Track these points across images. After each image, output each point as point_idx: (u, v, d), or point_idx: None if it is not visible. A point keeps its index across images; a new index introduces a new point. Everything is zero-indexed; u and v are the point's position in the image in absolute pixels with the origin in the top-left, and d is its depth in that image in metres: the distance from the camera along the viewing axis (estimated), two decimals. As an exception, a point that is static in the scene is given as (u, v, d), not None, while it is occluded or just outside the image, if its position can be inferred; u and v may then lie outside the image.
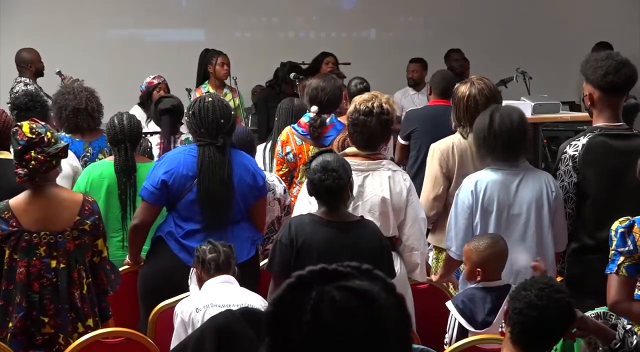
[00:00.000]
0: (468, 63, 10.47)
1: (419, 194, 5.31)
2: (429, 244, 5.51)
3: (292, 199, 5.69)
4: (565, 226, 4.73)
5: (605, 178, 4.67)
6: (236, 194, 4.96)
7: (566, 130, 7.97)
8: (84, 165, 5.93)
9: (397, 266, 4.74)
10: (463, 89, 5.30)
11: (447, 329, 4.39)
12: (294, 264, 4.24)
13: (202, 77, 9.11)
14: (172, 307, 4.53)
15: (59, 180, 4.61)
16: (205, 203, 4.91)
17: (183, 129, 6.36)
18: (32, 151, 4.31)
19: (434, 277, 5.14)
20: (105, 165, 5.55)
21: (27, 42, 9.35)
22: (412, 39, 11.87)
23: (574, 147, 4.70)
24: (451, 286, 5.13)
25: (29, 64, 8.95)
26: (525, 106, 6.36)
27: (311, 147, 6.01)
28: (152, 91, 8.70)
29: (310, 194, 4.43)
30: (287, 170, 6.08)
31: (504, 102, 5.59)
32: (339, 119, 6.28)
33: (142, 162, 5.55)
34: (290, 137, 6.04)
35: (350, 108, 4.99)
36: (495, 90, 5.39)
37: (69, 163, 5.58)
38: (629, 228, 3.67)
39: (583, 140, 4.69)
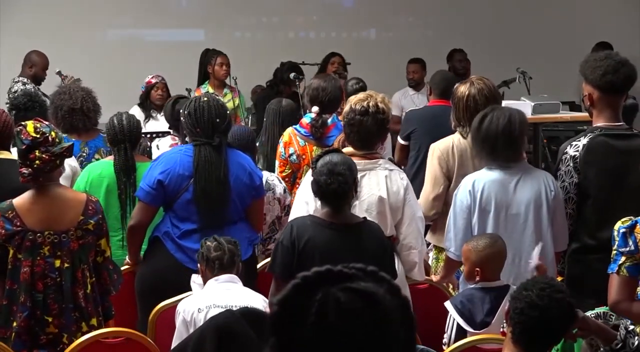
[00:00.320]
0: (469, 63, 10.47)
1: (419, 195, 5.33)
2: (428, 245, 5.51)
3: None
4: (566, 225, 4.73)
5: (606, 178, 4.67)
6: (233, 194, 4.96)
7: (566, 130, 7.98)
8: (80, 165, 5.93)
9: (396, 265, 4.74)
10: (463, 89, 5.30)
11: (446, 330, 4.39)
12: (296, 266, 4.24)
13: (203, 77, 9.11)
14: (172, 307, 4.54)
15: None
16: (202, 203, 4.91)
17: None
18: (37, 151, 4.32)
19: (434, 278, 5.14)
20: (105, 165, 5.55)
21: (27, 42, 9.37)
22: (412, 39, 11.87)
23: (574, 148, 4.70)
24: (451, 287, 5.13)
25: (31, 66, 8.96)
26: (525, 106, 6.36)
27: (314, 147, 6.00)
28: (150, 90, 8.72)
29: (315, 194, 4.42)
30: (290, 171, 6.06)
31: (505, 102, 5.59)
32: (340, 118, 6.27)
33: (141, 161, 5.55)
34: (292, 138, 6.02)
35: (346, 108, 4.98)
36: (495, 90, 5.39)
37: (67, 163, 5.57)
38: (631, 228, 3.68)
39: (584, 140, 4.69)
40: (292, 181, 6.07)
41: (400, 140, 6.82)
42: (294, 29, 12.00)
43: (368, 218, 4.58)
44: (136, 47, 11.24)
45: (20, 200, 4.44)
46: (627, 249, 3.67)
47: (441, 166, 5.26)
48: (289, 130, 6.09)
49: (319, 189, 4.35)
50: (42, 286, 4.38)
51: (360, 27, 12.14)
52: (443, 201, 5.26)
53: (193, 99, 5.10)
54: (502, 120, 4.65)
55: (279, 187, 5.70)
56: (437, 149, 5.32)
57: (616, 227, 3.77)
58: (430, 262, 5.41)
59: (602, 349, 3.29)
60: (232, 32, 11.69)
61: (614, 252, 3.74)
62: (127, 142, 5.50)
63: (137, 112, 8.33)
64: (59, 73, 8.99)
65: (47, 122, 4.48)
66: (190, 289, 4.56)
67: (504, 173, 4.70)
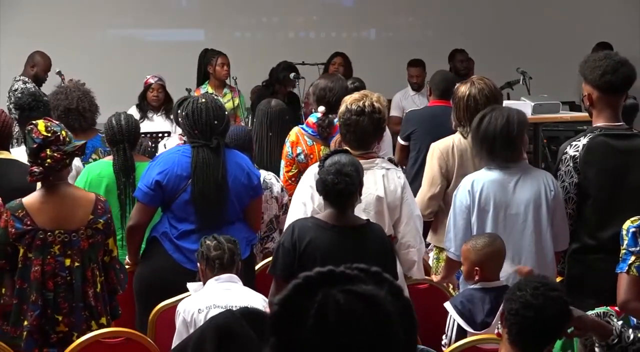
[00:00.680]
0: (473, 63, 10.48)
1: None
2: (428, 245, 5.51)
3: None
4: (566, 224, 4.72)
5: (606, 178, 4.67)
6: (231, 194, 4.96)
7: (566, 130, 7.98)
8: (77, 165, 5.93)
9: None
10: (463, 88, 5.30)
11: (446, 331, 4.38)
12: (297, 268, 4.23)
13: (202, 77, 9.11)
14: (171, 307, 4.54)
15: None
16: (199, 205, 4.90)
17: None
18: (48, 149, 4.35)
19: (434, 278, 5.14)
20: (104, 165, 5.55)
21: (27, 42, 9.37)
22: (412, 39, 11.87)
23: (574, 148, 4.69)
24: (451, 287, 5.13)
25: (33, 65, 8.96)
26: (525, 106, 6.36)
27: (322, 147, 5.98)
28: (146, 91, 8.72)
29: (320, 194, 4.40)
30: (296, 171, 6.03)
31: (505, 103, 5.59)
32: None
33: (140, 161, 5.55)
34: (300, 138, 5.97)
35: (342, 108, 4.98)
36: (495, 90, 5.38)
37: (73, 163, 5.58)
38: None
39: (583, 140, 4.69)
40: (299, 181, 6.04)
41: (400, 141, 6.82)
42: (294, 29, 12.00)
43: (365, 218, 4.57)
44: (136, 47, 11.24)
45: (30, 199, 4.46)
46: (637, 248, 3.67)
47: (440, 166, 5.26)
48: (296, 129, 6.05)
49: (324, 189, 4.33)
50: (53, 285, 4.41)
51: (360, 27, 12.14)
52: (439, 201, 5.26)
53: (191, 100, 5.07)
54: (500, 121, 4.64)
55: (277, 185, 5.69)
56: (437, 149, 5.32)
57: (625, 226, 3.76)
58: (431, 262, 5.41)
59: (597, 344, 3.28)
60: (232, 32, 11.69)
61: (623, 251, 3.73)
62: (126, 142, 5.50)
63: (134, 112, 8.32)
64: (59, 73, 8.99)
65: (57, 122, 4.51)
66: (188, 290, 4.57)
67: (503, 173, 4.69)
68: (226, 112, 5.12)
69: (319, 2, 12.00)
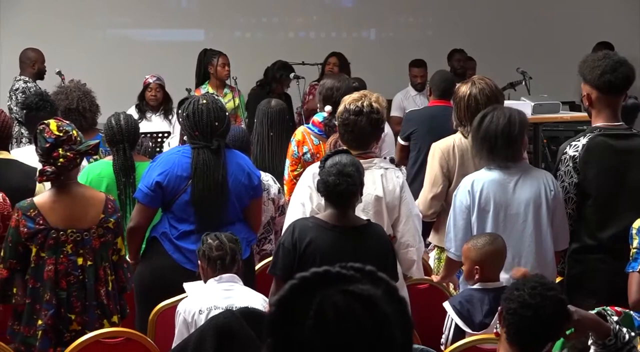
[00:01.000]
0: (474, 63, 10.48)
1: (418, 196, 5.32)
2: (429, 244, 5.51)
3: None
4: (567, 224, 4.72)
5: (606, 178, 4.67)
6: (231, 195, 4.95)
7: (566, 130, 7.98)
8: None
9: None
10: (464, 88, 5.30)
11: (444, 330, 4.38)
12: (297, 268, 4.22)
13: (202, 77, 9.10)
14: (171, 307, 4.54)
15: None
16: (200, 206, 4.90)
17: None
18: (60, 149, 4.36)
19: (434, 278, 5.13)
20: (104, 165, 5.55)
21: (27, 42, 9.35)
22: (412, 39, 11.87)
23: (574, 148, 4.69)
24: (452, 286, 5.13)
25: (34, 63, 8.96)
26: (525, 106, 6.36)
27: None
28: (144, 90, 8.73)
29: (322, 195, 4.40)
30: (302, 170, 6.02)
31: (505, 103, 5.58)
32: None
33: (140, 161, 5.55)
34: (306, 137, 5.96)
35: (340, 108, 4.98)
36: (496, 90, 5.38)
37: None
38: None
39: (583, 140, 4.68)
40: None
41: (400, 141, 6.82)
42: (294, 29, 12.00)
43: (364, 217, 4.57)
44: (136, 47, 11.24)
45: (42, 199, 4.48)
46: None
47: (441, 166, 5.26)
48: (302, 129, 6.04)
49: (326, 189, 4.33)
50: (66, 284, 4.44)
51: (360, 27, 12.14)
52: (442, 201, 5.26)
53: (191, 100, 5.05)
54: (502, 120, 4.64)
55: (274, 187, 5.69)
56: (438, 149, 5.31)
57: (635, 225, 3.75)
58: (432, 262, 5.41)
59: (591, 341, 3.28)
60: (232, 32, 11.69)
61: (633, 250, 3.73)
62: (126, 142, 5.50)
63: (133, 112, 8.33)
64: (59, 73, 8.99)
65: (67, 122, 4.53)
66: (187, 290, 4.58)
67: (503, 173, 4.69)
68: (227, 113, 5.11)
69: (319, 2, 12.00)
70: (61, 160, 4.37)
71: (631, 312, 3.99)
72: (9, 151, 5.57)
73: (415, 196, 5.22)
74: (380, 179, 4.83)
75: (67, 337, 4.41)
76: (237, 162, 5.03)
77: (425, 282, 5.09)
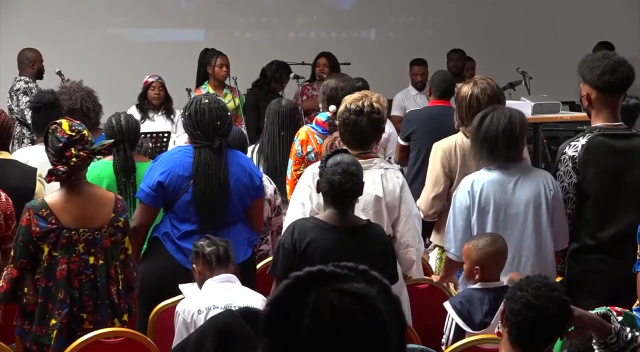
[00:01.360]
0: (474, 63, 10.47)
1: (419, 196, 5.32)
2: (429, 244, 5.51)
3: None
4: (566, 223, 4.73)
5: (606, 178, 4.67)
6: (233, 195, 4.95)
7: (566, 130, 7.98)
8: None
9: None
10: (466, 88, 5.30)
11: (444, 330, 4.38)
12: (297, 268, 4.20)
13: (202, 77, 9.10)
14: (172, 307, 4.54)
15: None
16: (201, 205, 4.90)
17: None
18: (72, 148, 4.38)
19: (435, 278, 5.13)
20: (104, 165, 5.55)
21: (27, 42, 9.35)
22: (412, 39, 11.87)
23: (573, 148, 4.69)
24: (452, 286, 5.12)
25: (33, 63, 8.95)
26: (525, 106, 6.37)
27: None
28: (146, 90, 8.73)
29: (326, 195, 4.39)
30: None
31: (506, 103, 5.58)
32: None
33: (141, 161, 5.55)
34: (310, 137, 5.96)
35: (341, 108, 4.99)
36: (498, 90, 5.38)
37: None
38: None
39: (582, 140, 4.68)
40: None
41: (400, 141, 6.82)
42: (294, 29, 12.00)
43: (364, 218, 4.57)
44: (136, 47, 11.24)
45: (53, 198, 4.50)
46: None
47: (443, 166, 5.26)
48: (305, 128, 6.05)
49: (331, 189, 4.32)
50: (78, 283, 4.46)
51: (360, 27, 12.14)
52: (443, 200, 5.26)
53: (194, 100, 5.07)
54: (502, 120, 4.64)
55: (270, 188, 5.70)
56: (439, 149, 5.31)
57: None
58: (434, 261, 5.41)
59: (594, 341, 3.28)
60: (232, 32, 11.69)
61: None
62: (126, 142, 5.50)
63: (134, 112, 8.33)
64: (59, 73, 8.99)
65: (78, 121, 4.54)
66: (189, 291, 4.57)
67: (502, 173, 4.69)
68: (229, 113, 5.12)
69: (319, 3, 12.00)
70: (74, 159, 4.40)
71: (633, 311, 3.99)
72: (9, 151, 5.57)
73: (415, 196, 5.22)
74: (380, 179, 4.83)
75: (79, 336, 4.41)
76: (239, 163, 5.03)
77: (425, 282, 5.09)
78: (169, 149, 6.81)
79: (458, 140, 5.29)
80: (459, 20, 11.66)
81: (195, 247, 4.47)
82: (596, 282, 4.64)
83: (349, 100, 4.95)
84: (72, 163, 4.40)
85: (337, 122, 5.89)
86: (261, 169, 6.21)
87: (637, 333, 3.25)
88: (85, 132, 4.46)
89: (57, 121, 4.50)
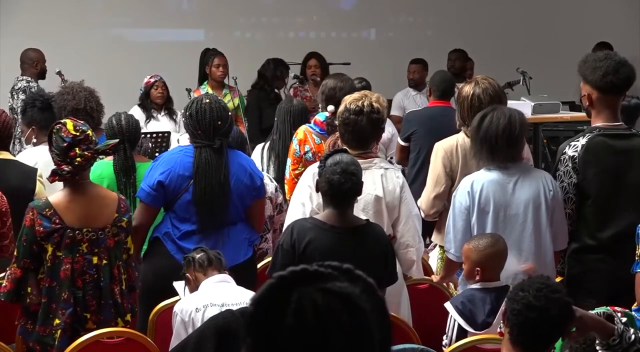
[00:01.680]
0: (472, 63, 10.47)
1: (419, 197, 5.32)
2: (429, 244, 5.51)
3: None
4: (565, 224, 4.73)
5: (606, 178, 4.67)
6: (233, 195, 4.95)
7: (566, 130, 7.98)
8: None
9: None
10: (467, 88, 5.29)
11: (446, 331, 4.38)
12: (297, 269, 4.21)
13: (202, 77, 9.11)
14: (172, 307, 4.53)
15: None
16: (201, 205, 4.90)
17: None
18: (77, 148, 4.38)
19: (435, 278, 5.13)
20: (105, 165, 5.55)
21: (27, 42, 9.35)
22: (412, 39, 11.87)
23: (573, 148, 4.69)
24: (452, 286, 5.12)
25: (36, 63, 8.95)
26: (525, 106, 6.37)
27: None
28: (149, 90, 8.73)
29: (326, 194, 4.39)
30: (303, 169, 6.02)
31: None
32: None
33: (141, 161, 5.55)
34: (308, 136, 5.97)
35: (341, 107, 4.99)
36: (499, 90, 5.38)
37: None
38: None
39: (582, 140, 4.68)
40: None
41: (400, 141, 6.82)
42: (294, 29, 12.00)
43: (364, 218, 4.57)
44: (136, 47, 11.24)
45: (57, 198, 4.50)
46: None
47: (444, 166, 5.26)
48: (303, 128, 6.06)
49: (330, 188, 4.32)
50: (81, 283, 4.46)
51: (360, 27, 12.14)
52: (444, 200, 5.26)
53: (195, 100, 5.08)
54: (502, 120, 4.64)
55: (270, 186, 5.70)
56: (441, 149, 5.31)
57: None
58: (435, 261, 5.41)
59: (597, 341, 3.28)
60: (232, 32, 11.69)
61: (639, 251, 3.72)
62: (127, 142, 5.50)
63: (137, 112, 8.34)
64: (59, 73, 8.99)
65: (82, 121, 4.54)
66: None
67: (502, 174, 4.69)
68: (229, 113, 5.13)
69: (319, 3, 11.99)
70: (78, 159, 4.41)
71: (632, 312, 3.99)
72: (9, 151, 5.57)
73: (416, 197, 5.22)
74: (380, 179, 4.83)
75: (82, 336, 4.42)
76: (239, 162, 5.03)
77: (425, 282, 5.09)
78: (172, 148, 6.82)
79: (459, 140, 5.28)
80: (459, 20, 11.66)
81: (184, 259, 4.48)
82: (596, 282, 4.64)
83: (348, 100, 4.95)
84: (76, 163, 4.40)
85: (336, 122, 5.91)
86: (272, 167, 6.24)
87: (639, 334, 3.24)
88: (89, 132, 4.47)
89: (62, 121, 4.50)
